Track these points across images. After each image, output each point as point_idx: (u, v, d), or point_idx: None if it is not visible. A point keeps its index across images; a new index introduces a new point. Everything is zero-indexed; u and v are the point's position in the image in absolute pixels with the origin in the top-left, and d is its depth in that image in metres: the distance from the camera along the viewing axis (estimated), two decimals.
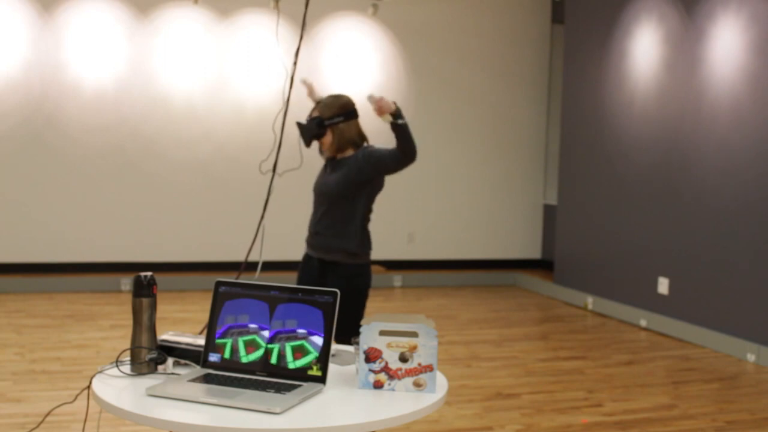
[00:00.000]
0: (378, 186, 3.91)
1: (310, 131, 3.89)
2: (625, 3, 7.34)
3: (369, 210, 3.92)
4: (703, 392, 5.13)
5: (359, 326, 2.35)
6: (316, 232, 3.93)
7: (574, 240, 8.09)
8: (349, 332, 3.36)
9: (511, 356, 5.86)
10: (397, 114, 3.64)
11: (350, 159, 3.90)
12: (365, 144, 3.99)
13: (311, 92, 4.20)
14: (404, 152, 3.70)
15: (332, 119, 3.89)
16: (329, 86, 8.51)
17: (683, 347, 6.32)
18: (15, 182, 7.74)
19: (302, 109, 8.35)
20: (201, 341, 2.46)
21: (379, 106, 3.62)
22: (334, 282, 3.79)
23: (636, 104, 7.20)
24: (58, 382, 4.92)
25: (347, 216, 3.87)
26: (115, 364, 2.40)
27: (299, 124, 3.93)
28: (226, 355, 2.36)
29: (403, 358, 2.31)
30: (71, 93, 7.82)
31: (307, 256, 4.01)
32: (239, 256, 8.28)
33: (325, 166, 4.04)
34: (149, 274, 2.40)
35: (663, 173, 6.85)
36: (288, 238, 8.50)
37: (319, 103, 3.95)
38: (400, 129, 3.66)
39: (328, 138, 3.91)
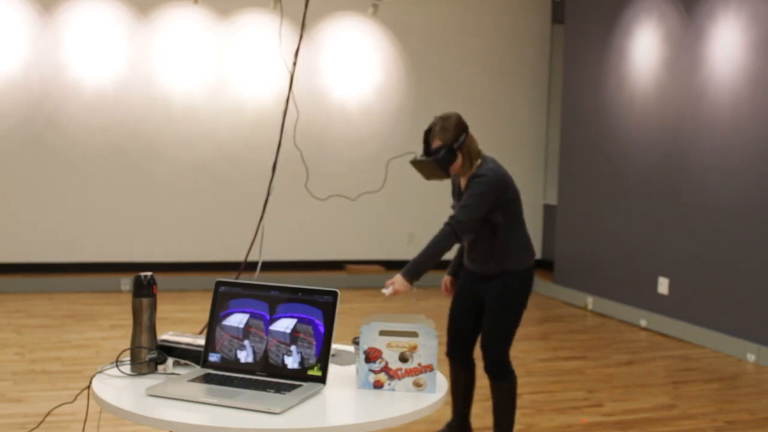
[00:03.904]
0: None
1: (445, 161, 3.73)
2: (625, 3, 7.34)
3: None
4: (703, 392, 5.13)
5: None
6: None
7: (574, 240, 8.09)
8: None
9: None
10: (412, 276, 3.60)
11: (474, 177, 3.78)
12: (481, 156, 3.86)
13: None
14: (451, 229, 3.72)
15: (458, 140, 3.73)
16: (329, 86, 8.52)
17: (683, 347, 6.32)
18: (15, 182, 7.74)
19: (303, 111, 8.37)
20: (201, 341, 2.46)
21: (396, 291, 3.59)
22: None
23: (636, 104, 7.20)
24: (58, 382, 4.92)
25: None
26: (115, 364, 2.40)
27: (423, 161, 3.74)
28: (226, 355, 2.36)
29: (403, 358, 2.31)
30: (71, 93, 7.82)
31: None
32: (239, 256, 8.28)
33: (457, 189, 3.92)
34: (149, 274, 2.40)
35: (663, 173, 6.85)
36: (288, 238, 8.51)
37: (431, 132, 3.77)
38: (423, 268, 3.63)
39: (459, 160, 3.76)
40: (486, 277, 3.82)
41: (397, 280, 3.58)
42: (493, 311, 3.77)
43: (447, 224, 3.66)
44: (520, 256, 3.78)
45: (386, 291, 3.55)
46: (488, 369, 3.80)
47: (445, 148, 3.70)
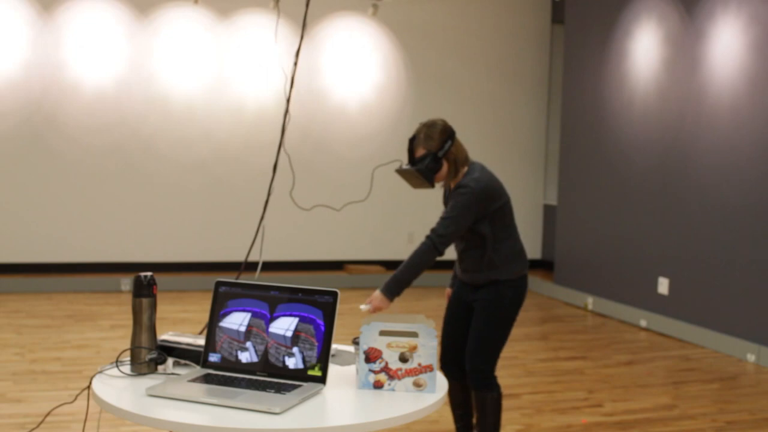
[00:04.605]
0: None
1: (429, 171, 3.56)
2: (625, 3, 7.34)
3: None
4: (703, 392, 5.13)
5: None
6: None
7: (574, 240, 8.09)
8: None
9: (511, 356, 5.86)
10: (392, 293, 3.47)
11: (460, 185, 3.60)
12: (470, 162, 3.67)
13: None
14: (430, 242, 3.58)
15: (443, 148, 3.55)
16: (329, 86, 8.52)
17: (683, 347, 6.32)
18: (15, 182, 7.74)
19: (304, 111, 8.37)
20: (201, 341, 2.46)
21: (376, 308, 3.44)
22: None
23: (636, 104, 7.20)
24: (58, 382, 4.92)
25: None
26: (115, 364, 2.40)
27: (407, 171, 3.58)
28: (226, 355, 2.36)
29: (403, 358, 2.31)
30: (71, 93, 7.82)
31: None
32: (239, 256, 8.28)
33: (448, 194, 3.76)
34: (149, 274, 2.40)
35: (663, 173, 6.85)
36: (287, 238, 8.51)
37: (415, 140, 3.61)
38: (403, 285, 3.50)
39: (444, 168, 3.58)
40: (477, 285, 3.70)
41: (376, 296, 3.44)
42: (482, 319, 3.63)
43: (428, 237, 3.53)
44: (511, 266, 3.63)
45: (364, 307, 3.42)
46: (470, 378, 3.65)
47: (429, 157, 3.54)
